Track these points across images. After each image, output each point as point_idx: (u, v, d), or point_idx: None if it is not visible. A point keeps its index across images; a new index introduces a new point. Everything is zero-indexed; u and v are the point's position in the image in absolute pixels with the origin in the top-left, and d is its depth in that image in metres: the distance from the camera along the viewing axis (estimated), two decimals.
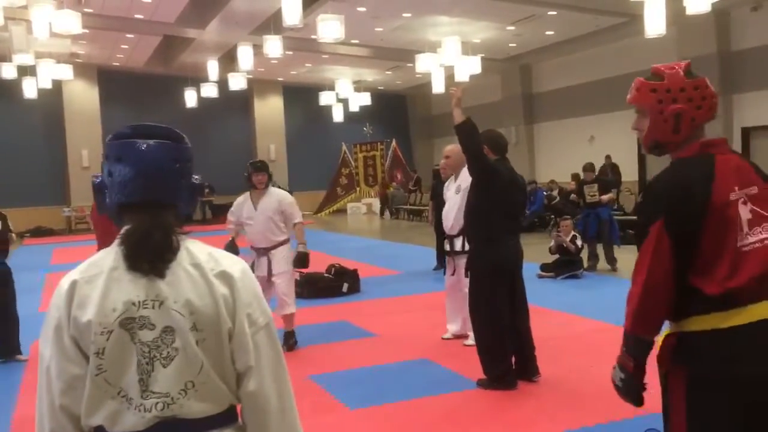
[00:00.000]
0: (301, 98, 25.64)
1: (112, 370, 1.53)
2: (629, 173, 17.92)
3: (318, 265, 9.46)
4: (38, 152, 22.21)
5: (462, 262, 5.87)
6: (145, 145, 1.60)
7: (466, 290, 5.77)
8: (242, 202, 6.27)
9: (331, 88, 23.22)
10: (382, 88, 26.14)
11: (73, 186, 22.07)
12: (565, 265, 9.44)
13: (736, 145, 15.36)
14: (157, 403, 1.54)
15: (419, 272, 10.29)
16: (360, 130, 25.66)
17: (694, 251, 2.04)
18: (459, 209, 5.82)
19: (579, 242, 9.56)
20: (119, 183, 1.60)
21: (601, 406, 4.39)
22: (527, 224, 15.78)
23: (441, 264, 10.74)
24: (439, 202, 10.30)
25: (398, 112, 28.41)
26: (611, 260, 9.87)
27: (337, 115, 24.38)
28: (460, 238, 5.91)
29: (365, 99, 23.39)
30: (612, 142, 18.46)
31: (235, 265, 1.67)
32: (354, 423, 4.36)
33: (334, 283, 8.68)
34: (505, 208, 4.82)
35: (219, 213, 24.20)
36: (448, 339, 6.23)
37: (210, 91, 20.81)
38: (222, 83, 20.08)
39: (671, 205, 2.06)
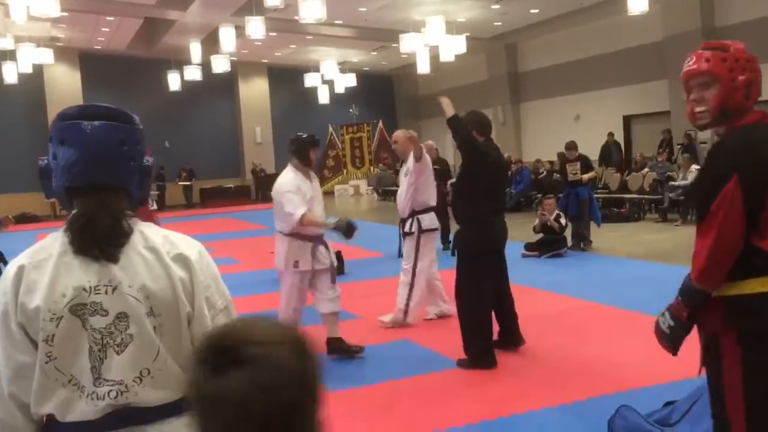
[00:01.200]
0: (287, 80, 25.45)
1: (62, 358, 1.50)
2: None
3: None
4: (20, 138, 21.97)
5: (410, 244, 6.08)
6: (89, 127, 1.55)
7: (411, 268, 6.01)
8: (297, 180, 5.03)
9: (317, 69, 23.04)
10: (367, 69, 25.98)
11: None
12: (549, 244, 9.45)
13: None
14: (110, 391, 1.51)
15: None
16: (346, 111, 25.48)
17: (759, 211, 2.12)
18: (407, 192, 6.07)
19: (563, 220, 9.56)
20: (63, 166, 1.55)
21: (581, 383, 4.41)
22: (513, 204, 15.80)
23: None
24: None
25: (384, 93, 28.27)
26: (584, 239, 9.87)
27: (323, 97, 24.22)
28: (410, 220, 6.09)
29: (351, 80, 23.23)
30: (597, 120, 18.45)
31: (192, 248, 1.64)
32: (331, 405, 4.33)
33: None
34: (491, 189, 4.90)
35: (207, 197, 24.12)
36: (430, 319, 6.24)
37: (193, 73, 20.61)
38: (205, 66, 19.88)
39: (744, 161, 2.13)
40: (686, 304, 2.22)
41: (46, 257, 1.53)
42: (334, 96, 24.02)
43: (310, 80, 23.40)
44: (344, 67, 23.63)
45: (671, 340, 2.29)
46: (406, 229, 6.12)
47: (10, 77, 18.21)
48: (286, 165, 5.23)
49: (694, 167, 12.91)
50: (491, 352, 4.83)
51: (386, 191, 23.00)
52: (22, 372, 1.51)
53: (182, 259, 1.59)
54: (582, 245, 9.83)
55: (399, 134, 6.46)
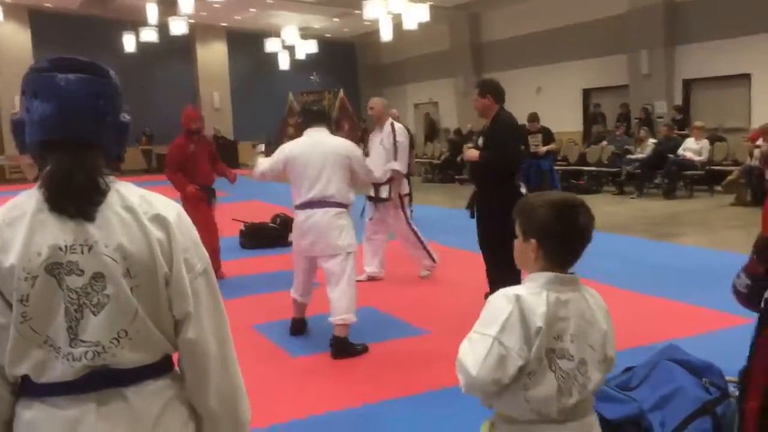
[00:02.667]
0: (246, 45, 24.97)
1: (37, 318, 1.46)
2: (574, 124, 18.16)
3: (263, 214, 9.36)
4: None
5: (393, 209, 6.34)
6: (64, 80, 1.49)
7: (383, 237, 6.39)
8: None
9: (277, 34, 22.64)
10: (329, 35, 25.65)
11: (7, 134, 21.17)
12: None
13: (677, 97, 15.66)
14: (87, 352, 1.47)
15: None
16: (307, 78, 25.18)
17: None
18: (384, 160, 6.19)
19: (524, 191, 9.64)
20: (37, 120, 1.49)
21: None
22: None
23: None
24: None
25: (346, 60, 27.97)
26: None
27: (284, 63, 23.83)
28: (387, 186, 6.21)
29: (312, 47, 22.91)
30: (558, 93, 18.60)
31: (170, 209, 1.60)
32: (296, 370, 4.37)
33: (278, 233, 8.54)
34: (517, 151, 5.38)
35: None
36: (361, 281, 6.18)
37: (149, 35, 20.08)
38: (162, 27, 19.38)
39: None
40: (763, 260, 2.25)
41: (20, 215, 1.48)
42: (294, 62, 23.67)
43: (271, 46, 22.99)
44: (306, 33, 23.27)
45: (749, 298, 2.32)
46: (384, 195, 6.21)
47: None
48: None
49: (651, 141, 13.17)
50: None
51: None
52: None
53: (160, 220, 1.56)
54: None
55: (376, 101, 6.50)
